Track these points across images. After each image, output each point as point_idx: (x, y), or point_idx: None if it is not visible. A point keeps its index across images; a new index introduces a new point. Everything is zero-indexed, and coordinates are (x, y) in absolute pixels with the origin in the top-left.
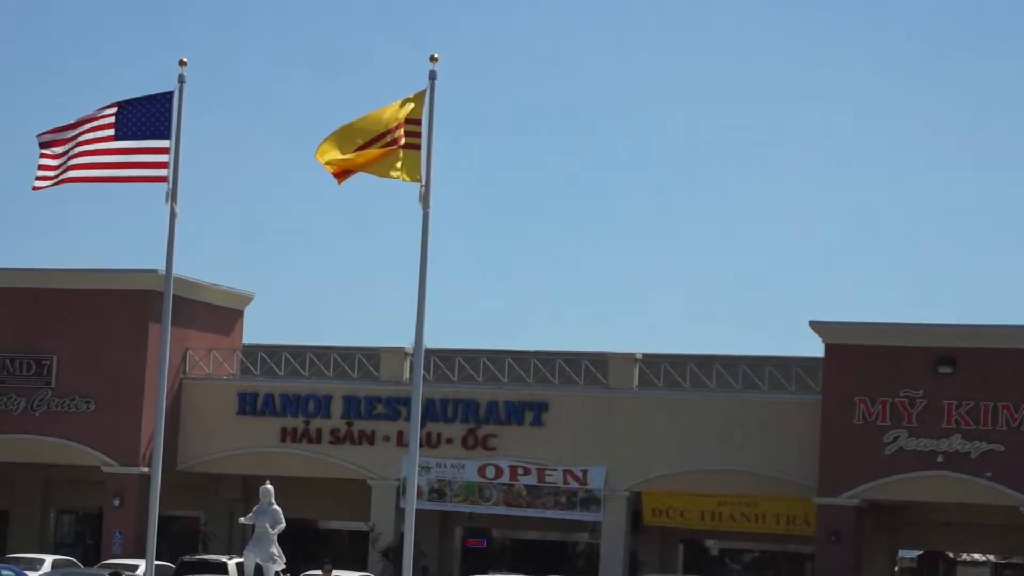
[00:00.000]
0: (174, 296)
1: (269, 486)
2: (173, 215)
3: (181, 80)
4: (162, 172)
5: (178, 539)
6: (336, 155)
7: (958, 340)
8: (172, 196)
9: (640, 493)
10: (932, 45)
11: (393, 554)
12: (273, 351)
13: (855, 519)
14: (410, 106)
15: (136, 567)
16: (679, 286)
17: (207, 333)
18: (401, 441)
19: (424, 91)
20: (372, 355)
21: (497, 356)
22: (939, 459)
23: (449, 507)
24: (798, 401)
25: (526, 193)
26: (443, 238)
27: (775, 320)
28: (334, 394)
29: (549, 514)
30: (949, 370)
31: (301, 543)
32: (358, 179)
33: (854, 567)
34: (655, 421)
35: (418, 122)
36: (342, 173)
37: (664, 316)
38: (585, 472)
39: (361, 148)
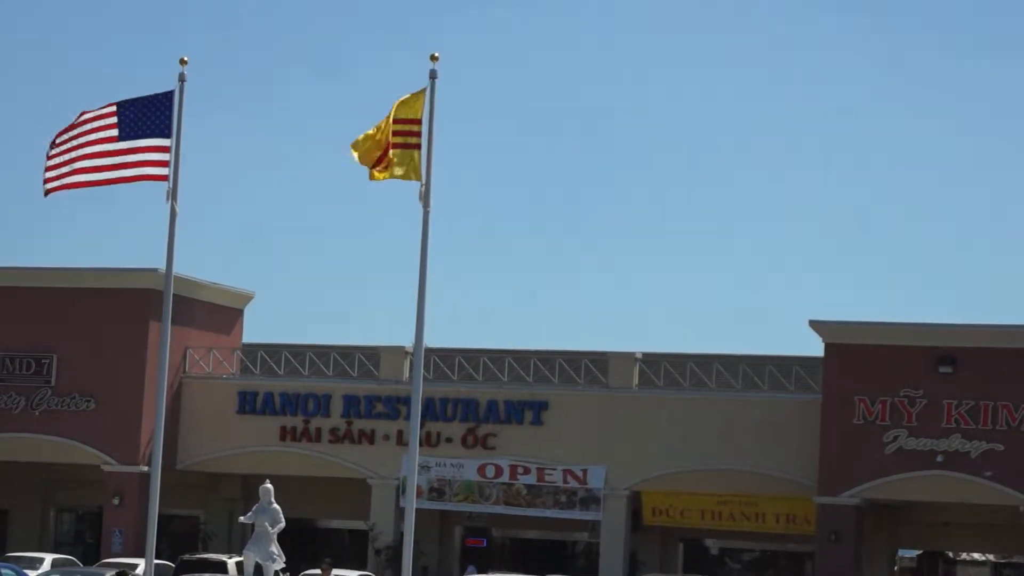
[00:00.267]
0: (174, 295)
1: (269, 485)
2: (174, 214)
3: (182, 79)
4: (163, 171)
5: (178, 538)
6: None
7: (958, 340)
8: (172, 195)
9: (640, 492)
10: (934, 45)
11: (389, 552)
12: (273, 350)
13: (855, 518)
14: (410, 105)
15: (136, 566)
16: (679, 285)
17: (207, 332)
18: (401, 440)
19: (424, 90)
20: (372, 354)
21: (497, 355)
22: (939, 459)
23: (449, 506)
24: (798, 400)
25: (526, 192)
26: (443, 237)
27: (775, 319)
28: (334, 393)
29: (549, 513)
30: (949, 370)
31: (301, 542)
32: (359, 178)
33: (854, 566)
34: (655, 420)
35: (418, 121)
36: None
37: (664, 315)
38: (585, 471)
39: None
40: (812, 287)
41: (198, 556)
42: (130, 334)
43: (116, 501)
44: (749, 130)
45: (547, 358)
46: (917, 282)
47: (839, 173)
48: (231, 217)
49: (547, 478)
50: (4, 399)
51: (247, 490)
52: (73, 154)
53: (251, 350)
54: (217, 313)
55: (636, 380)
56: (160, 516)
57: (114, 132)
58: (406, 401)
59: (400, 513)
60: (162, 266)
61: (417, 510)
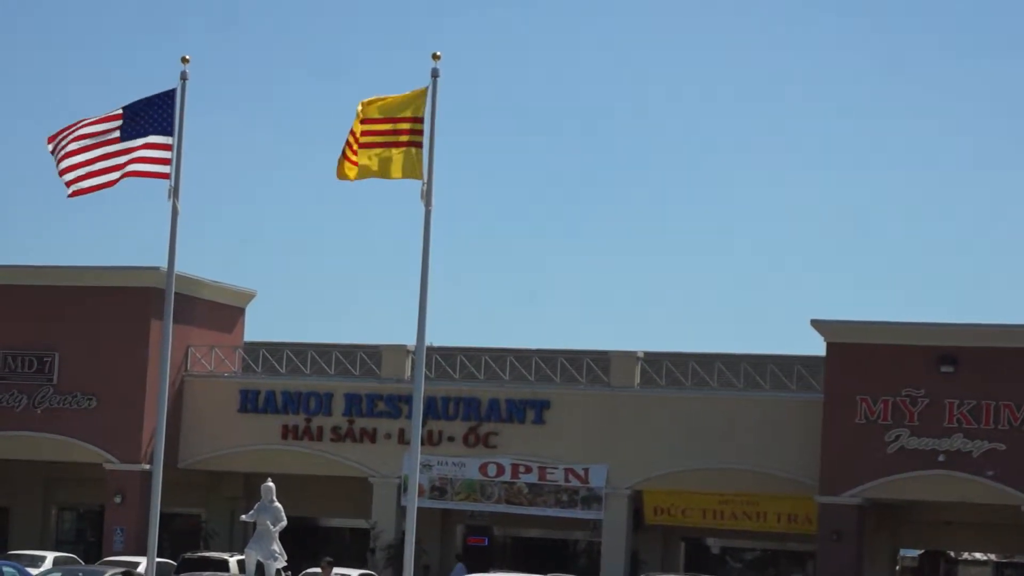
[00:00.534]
0: (176, 293)
1: (270, 483)
2: (175, 212)
3: (184, 78)
4: (164, 169)
5: (179, 536)
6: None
7: (960, 339)
8: (174, 193)
9: (641, 491)
10: (934, 45)
11: (391, 551)
12: (275, 348)
13: (856, 518)
14: (411, 105)
15: (137, 564)
16: (681, 284)
17: (209, 330)
18: (402, 439)
19: (426, 89)
20: (374, 353)
21: (499, 354)
22: (941, 458)
23: (450, 505)
24: (800, 400)
25: (527, 191)
26: (445, 236)
27: (777, 319)
28: (336, 392)
29: (550, 512)
30: (951, 369)
31: (302, 541)
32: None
33: (855, 566)
34: (657, 419)
35: (420, 120)
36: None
37: (666, 314)
38: (586, 470)
39: (370, 144)
40: (814, 286)
41: (200, 554)
42: (132, 332)
43: (118, 499)
44: (749, 130)
45: (549, 357)
46: (919, 281)
47: (840, 173)
48: (233, 215)
49: (549, 477)
50: (6, 397)
51: (249, 488)
52: (86, 155)
53: (253, 348)
54: (219, 311)
55: (638, 379)
56: (162, 514)
57: (116, 134)
58: (408, 400)
59: (402, 512)
60: (164, 264)
61: (419, 509)
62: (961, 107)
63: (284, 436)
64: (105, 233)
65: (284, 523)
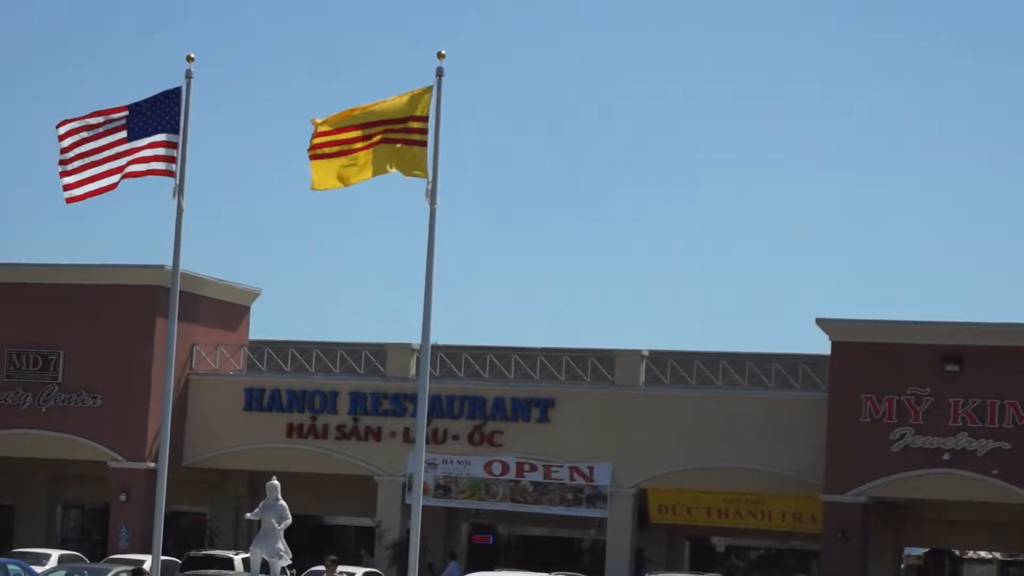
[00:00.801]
0: (181, 292)
1: (275, 482)
2: (180, 210)
3: (188, 76)
4: (170, 167)
5: (184, 534)
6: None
7: (965, 338)
8: (179, 191)
9: (646, 490)
10: (940, 43)
11: (397, 549)
12: (280, 347)
13: (861, 516)
14: (417, 103)
15: (142, 562)
16: (686, 283)
17: (214, 329)
18: (407, 437)
19: (430, 88)
20: (379, 351)
21: (504, 352)
22: (945, 457)
23: (455, 503)
24: (804, 398)
25: (533, 189)
26: (450, 234)
27: (782, 317)
28: (340, 390)
29: (555, 510)
30: (956, 368)
31: (307, 539)
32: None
33: (860, 564)
34: (661, 418)
35: (424, 119)
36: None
37: (671, 313)
38: (591, 468)
39: (355, 139)
40: (819, 285)
41: (204, 552)
42: (137, 331)
43: (123, 497)
44: (755, 128)
45: (553, 355)
46: (924, 280)
47: (846, 172)
48: (238, 214)
49: (554, 475)
50: (11, 395)
51: (254, 487)
52: (89, 159)
53: (258, 347)
54: (224, 310)
55: (643, 378)
56: (166, 513)
57: (123, 134)
58: (413, 398)
59: (407, 510)
60: (169, 263)
61: (423, 507)
62: (966, 106)
63: (289, 434)
64: (110, 231)
65: (289, 521)
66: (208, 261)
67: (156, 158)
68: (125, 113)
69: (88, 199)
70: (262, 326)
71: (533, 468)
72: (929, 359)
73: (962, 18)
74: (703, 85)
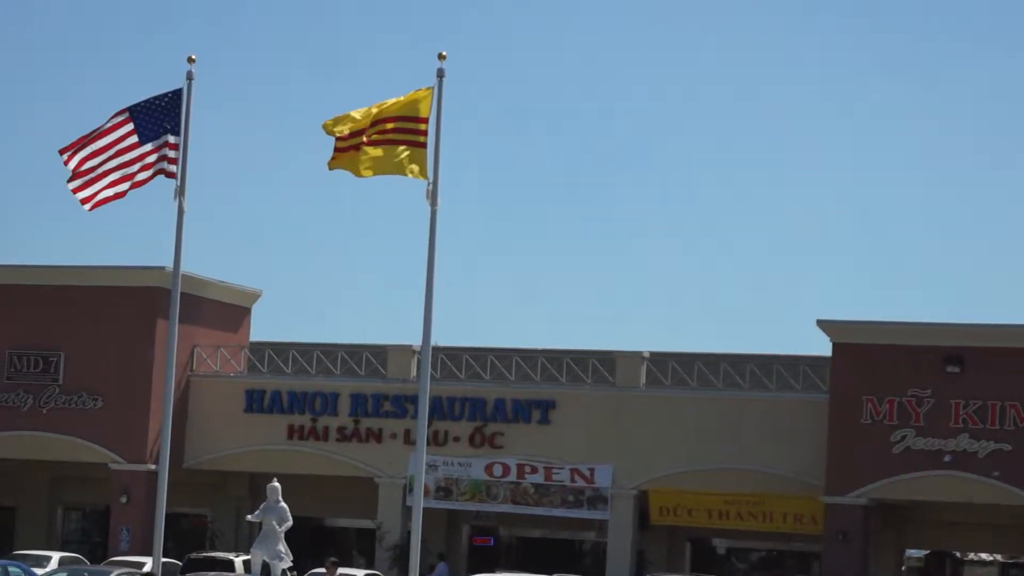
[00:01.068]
0: (182, 293)
1: (276, 484)
2: (181, 211)
3: (190, 77)
4: (171, 168)
5: (185, 536)
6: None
7: (966, 339)
8: (180, 192)
9: (647, 491)
10: (945, 41)
11: (398, 551)
12: (280, 348)
13: (862, 518)
14: (418, 104)
15: (143, 564)
16: (686, 284)
17: (214, 330)
18: (408, 439)
19: (431, 89)
20: (379, 353)
21: (504, 354)
22: (947, 458)
23: (456, 505)
24: (805, 400)
25: (533, 190)
26: (450, 236)
27: (783, 319)
28: (341, 392)
29: (556, 512)
30: (957, 369)
31: (308, 541)
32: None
33: (861, 566)
34: (662, 419)
35: (425, 120)
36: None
37: (671, 314)
38: (592, 470)
39: (360, 135)
40: (820, 286)
41: (205, 554)
42: (137, 332)
43: (123, 499)
44: (755, 128)
45: (554, 357)
46: (925, 282)
47: (846, 173)
48: (238, 215)
49: (554, 477)
50: (12, 397)
51: (254, 488)
52: (104, 168)
53: (258, 348)
54: (224, 311)
55: (643, 379)
56: (167, 514)
57: (134, 139)
58: (413, 400)
59: (407, 512)
60: (169, 264)
61: (424, 509)
62: (968, 106)
63: (290, 436)
64: (110, 233)
65: (290, 523)
66: (209, 262)
67: (162, 159)
68: (125, 116)
69: (107, 204)
70: (263, 328)
71: (534, 470)
72: (930, 360)
73: (968, 17)
74: (703, 85)
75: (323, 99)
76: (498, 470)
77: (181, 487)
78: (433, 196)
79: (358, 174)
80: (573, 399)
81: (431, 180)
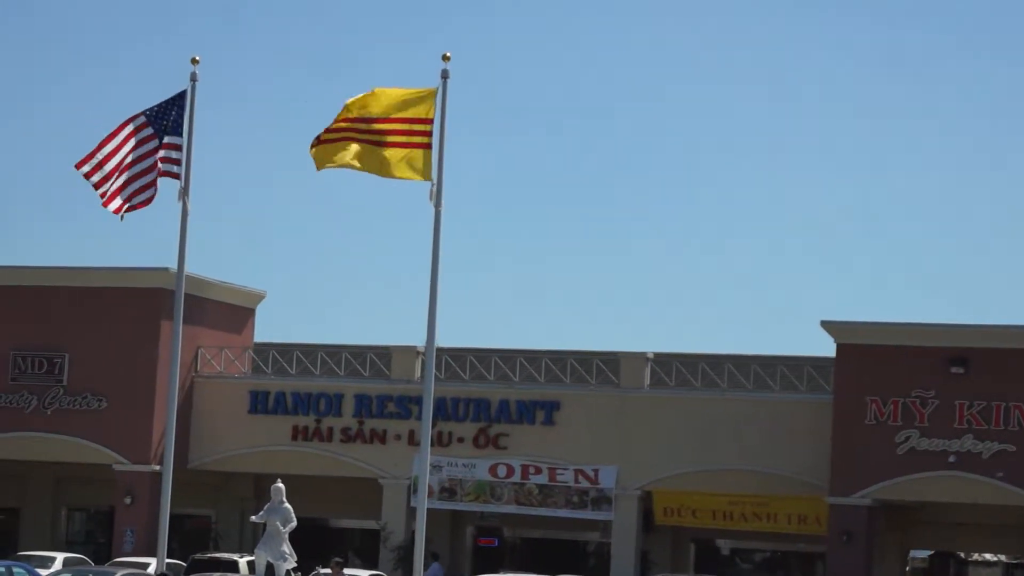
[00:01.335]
0: (185, 294)
1: (280, 484)
2: (185, 212)
3: (193, 78)
4: (175, 169)
5: (189, 537)
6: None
7: (970, 340)
8: (184, 193)
9: (651, 492)
10: (950, 42)
11: (402, 552)
12: (285, 349)
13: (867, 519)
14: (420, 105)
15: (147, 565)
16: (691, 285)
17: (218, 331)
18: (413, 440)
19: (434, 90)
20: (384, 354)
21: (508, 355)
22: (951, 459)
23: (460, 506)
24: (810, 401)
25: (536, 191)
26: (455, 236)
27: (787, 320)
28: (345, 393)
29: (560, 513)
30: (961, 370)
31: (312, 542)
32: (370, 177)
33: (865, 567)
34: (666, 420)
35: (429, 121)
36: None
37: (676, 315)
38: (596, 471)
39: (361, 130)
40: (824, 287)
41: (209, 555)
42: (142, 333)
43: (128, 500)
44: (759, 129)
45: (558, 358)
46: (929, 283)
47: (850, 173)
48: (243, 216)
49: (559, 478)
50: (16, 398)
51: (259, 489)
52: (127, 171)
53: (263, 349)
54: (229, 312)
55: (648, 380)
56: (171, 515)
57: (155, 143)
58: (418, 401)
59: (411, 513)
60: (174, 265)
61: (428, 510)
62: (971, 107)
63: (294, 437)
64: (115, 234)
65: (294, 524)
66: (213, 264)
67: (163, 160)
68: (143, 120)
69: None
70: (267, 329)
71: (538, 471)
72: (934, 361)
73: (969, 17)
74: (703, 85)
75: (324, 99)
76: (502, 471)
77: (185, 488)
78: (437, 197)
79: (345, 164)
80: (577, 400)
81: (435, 181)
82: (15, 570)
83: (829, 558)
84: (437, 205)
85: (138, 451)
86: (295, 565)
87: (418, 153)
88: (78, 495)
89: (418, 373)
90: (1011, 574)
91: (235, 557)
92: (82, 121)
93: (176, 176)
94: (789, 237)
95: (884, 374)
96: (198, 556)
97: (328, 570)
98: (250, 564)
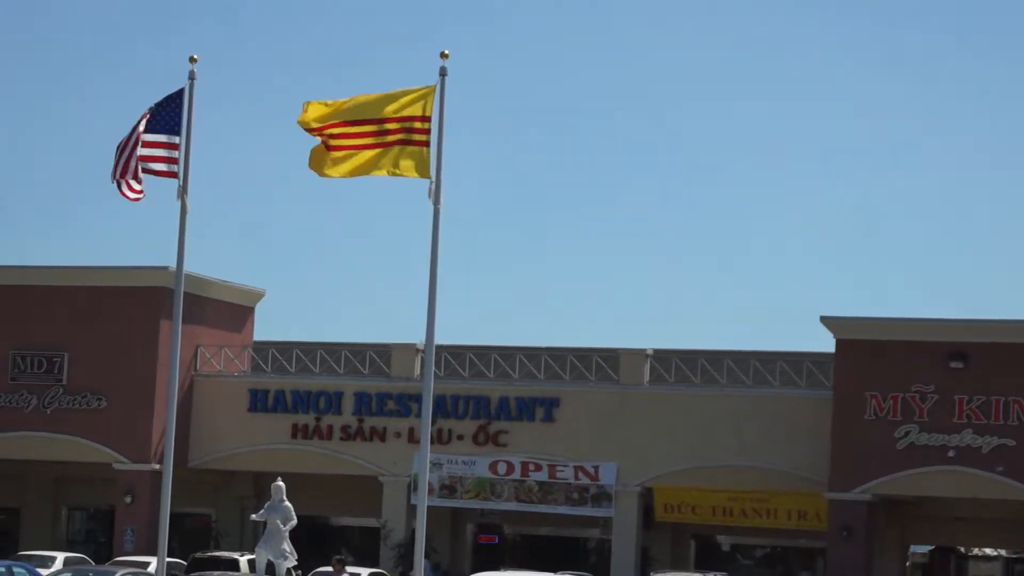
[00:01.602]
0: (185, 293)
1: (280, 483)
2: (184, 211)
3: (192, 77)
4: (172, 168)
5: (189, 536)
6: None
7: (970, 335)
8: (183, 192)
9: (651, 489)
10: (951, 42)
11: (402, 550)
12: (284, 348)
13: (867, 514)
14: (419, 103)
15: (148, 564)
16: (690, 282)
17: (218, 330)
18: (412, 437)
19: (433, 87)
20: (383, 351)
21: (508, 352)
22: (951, 454)
23: (460, 503)
24: (809, 396)
25: (537, 189)
26: (454, 234)
27: (786, 315)
28: (345, 391)
29: (561, 510)
30: (960, 365)
31: (313, 540)
32: (370, 176)
33: (865, 562)
34: (666, 417)
35: (427, 119)
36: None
37: (675, 312)
38: (596, 468)
39: (362, 134)
40: (823, 283)
41: (210, 554)
42: (141, 332)
43: (128, 499)
44: (759, 128)
45: (558, 355)
46: (928, 278)
47: (850, 171)
48: (241, 215)
49: (559, 475)
50: (16, 397)
51: (259, 488)
52: (133, 159)
53: (262, 348)
54: (228, 311)
55: (647, 376)
56: (172, 514)
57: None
58: (417, 398)
59: (412, 510)
60: (173, 264)
61: (429, 507)
62: (971, 106)
63: (294, 435)
64: (114, 233)
65: (294, 522)
66: (212, 262)
67: (159, 159)
68: (147, 113)
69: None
70: (266, 327)
71: (538, 468)
72: (934, 356)
73: (969, 16)
74: (703, 85)
75: (324, 99)
76: (502, 468)
77: (185, 487)
78: (436, 195)
79: (355, 174)
80: (577, 397)
81: (434, 179)
82: (16, 570)
83: (829, 553)
84: (436, 203)
85: (138, 450)
86: (295, 563)
87: (417, 150)
88: (78, 494)
89: (417, 370)
90: (1011, 568)
91: (235, 555)
92: (82, 121)
93: (175, 175)
94: (789, 235)
95: (883, 369)
96: (199, 555)
97: (330, 568)
98: (250, 562)
